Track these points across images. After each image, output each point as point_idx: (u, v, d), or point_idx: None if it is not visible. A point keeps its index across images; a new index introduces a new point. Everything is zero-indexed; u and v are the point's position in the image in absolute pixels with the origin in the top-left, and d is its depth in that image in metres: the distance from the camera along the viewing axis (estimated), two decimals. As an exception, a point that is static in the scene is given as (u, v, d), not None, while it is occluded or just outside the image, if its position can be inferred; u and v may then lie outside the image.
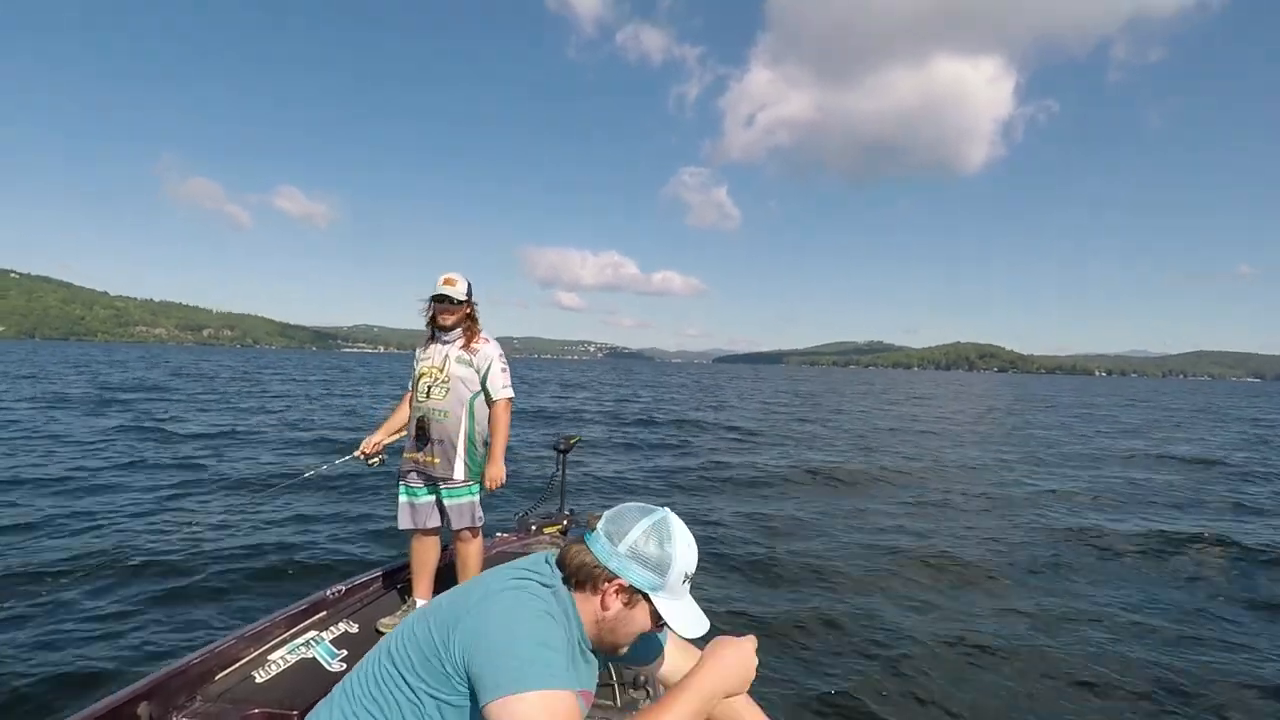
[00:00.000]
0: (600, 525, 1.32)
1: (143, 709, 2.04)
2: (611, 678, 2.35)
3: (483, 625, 1.16)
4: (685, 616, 1.30)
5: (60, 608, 3.85)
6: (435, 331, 3.05)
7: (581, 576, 1.29)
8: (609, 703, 2.27)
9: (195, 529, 2.96)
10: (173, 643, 3.46)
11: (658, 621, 1.30)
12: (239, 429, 12.52)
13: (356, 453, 3.14)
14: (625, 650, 1.36)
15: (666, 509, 1.34)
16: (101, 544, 4.75)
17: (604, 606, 1.28)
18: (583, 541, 1.32)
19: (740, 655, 1.30)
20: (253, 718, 2.17)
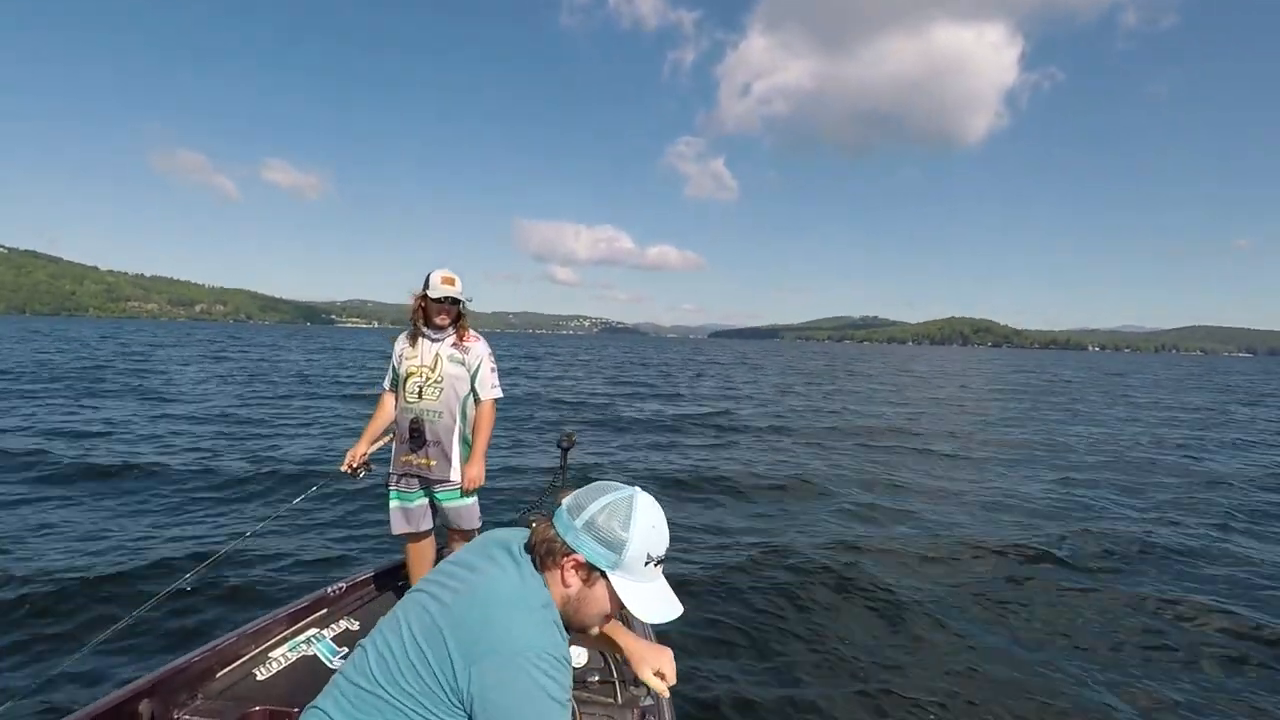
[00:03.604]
0: (566, 500, 1.31)
1: (144, 706, 2.06)
2: (612, 675, 2.38)
3: (502, 699, 1.13)
4: (645, 599, 1.26)
5: (59, 607, 3.88)
6: (423, 328, 2.94)
7: (543, 551, 1.27)
8: (610, 700, 2.30)
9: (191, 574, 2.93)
10: (174, 641, 3.48)
11: (619, 604, 1.26)
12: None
13: (342, 466, 3.00)
14: (595, 630, 1.36)
15: (637, 488, 1.30)
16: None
17: (564, 583, 1.26)
18: (550, 518, 1.31)
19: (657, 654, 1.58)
20: (254, 715, 2.20)
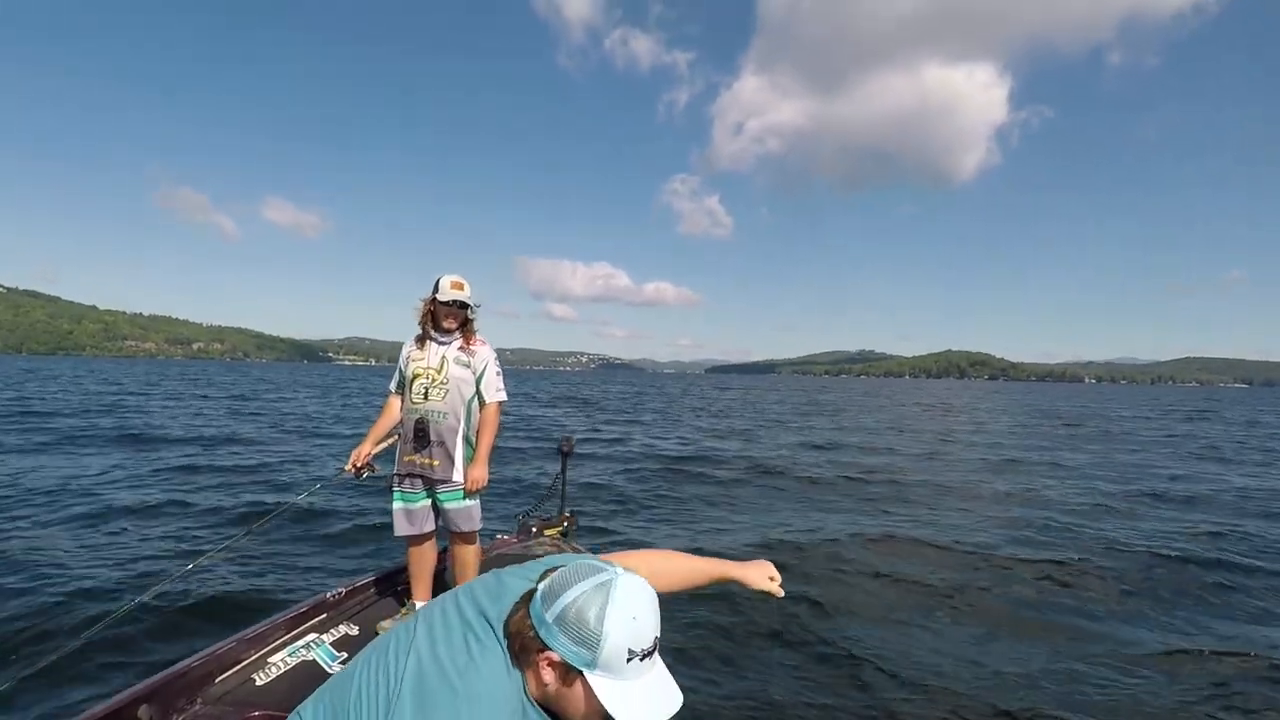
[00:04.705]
0: (543, 584, 1.17)
1: (143, 711, 2.04)
2: None
3: None
4: (630, 702, 1.09)
5: (58, 605, 3.83)
6: (431, 332, 3.00)
7: (517, 647, 1.15)
8: None
9: (195, 566, 2.90)
10: (173, 647, 3.44)
11: (600, 707, 1.11)
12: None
13: (346, 467, 3.02)
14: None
15: (618, 569, 1.16)
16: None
17: (540, 680, 1.13)
18: (528, 603, 1.18)
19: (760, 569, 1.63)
20: (253, 719, 2.17)
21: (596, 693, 1.09)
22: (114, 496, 6.97)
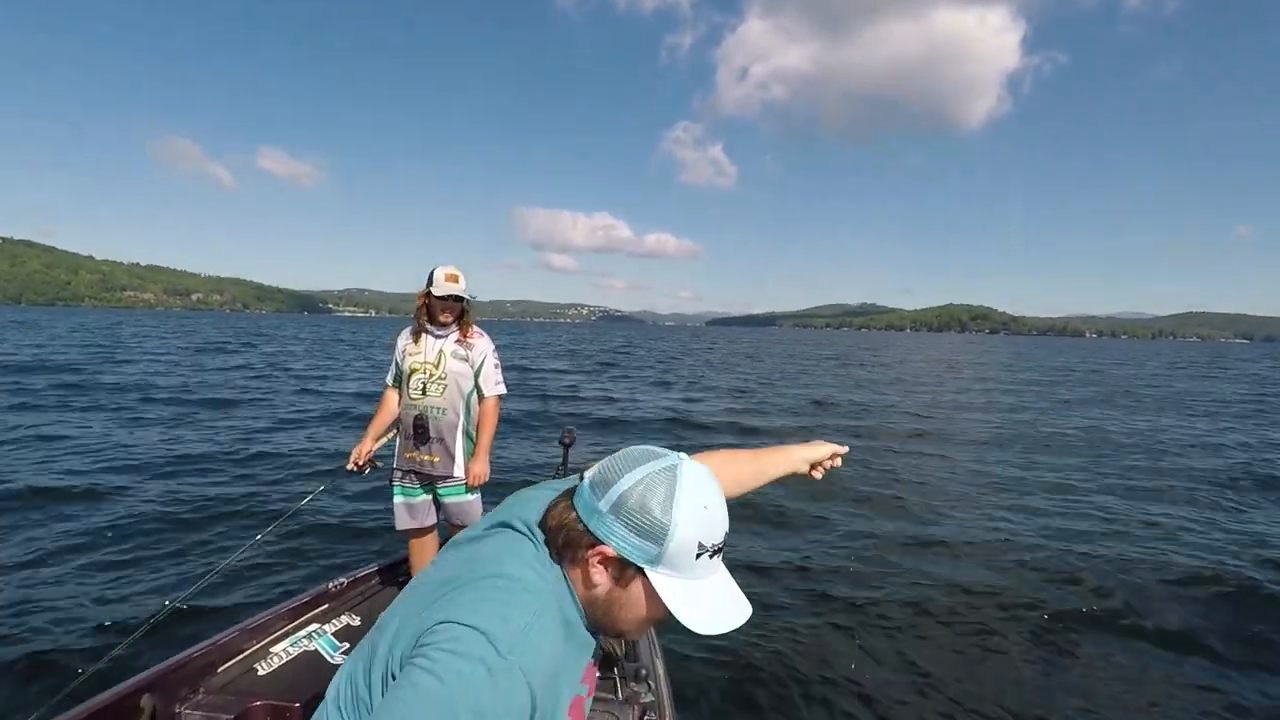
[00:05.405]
0: (590, 473, 0.97)
1: (145, 701, 2.06)
2: (612, 670, 2.37)
3: (397, 687, 0.81)
4: (699, 604, 0.91)
5: (57, 601, 3.88)
6: (427, 325, 2.94)
7: (561, 541, 0.95)
8: (610, 695, 2.29)
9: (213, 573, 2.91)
10: (175, 637, 3.48)
11: (663, 609, 0.92)
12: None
13: (349, 465, 3.00)
14: (637, 636, 1.08)
15: (683, 455, 0.96)
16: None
17: (589, 582, 0.94)
18: (570, 496, 0.98)
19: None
20: (255, 710, 2.20)
21: (660, 593, 0.90)
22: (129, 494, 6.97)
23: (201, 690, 2.25)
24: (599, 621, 0.98)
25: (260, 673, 2.38)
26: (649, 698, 2.21)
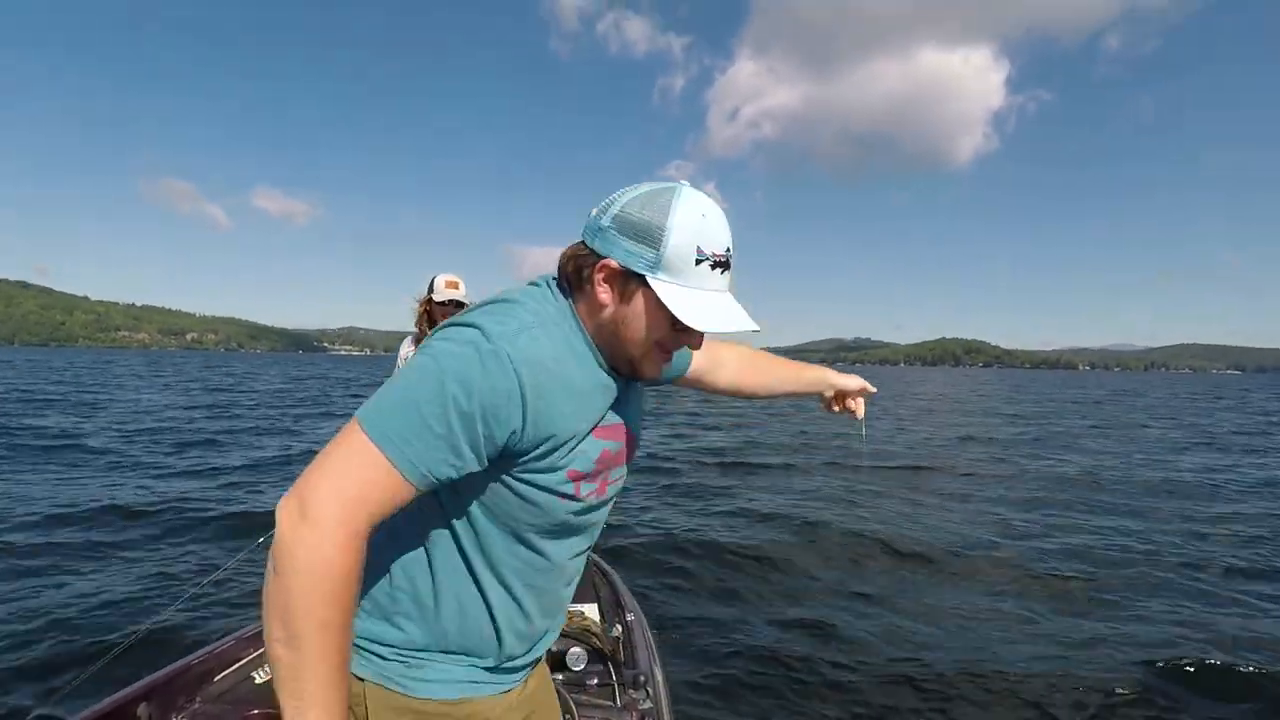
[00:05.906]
0: (600, 204, 0.99)
1: (142, 710, 2.03)
2: (611, 677, 2.34)
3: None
4: (697, 304, 0.93)
5: (55, 600, 3.83)
6: (428, 332, 2.96)
7: (569, 270, 0.98)
8: (608, 702, 2.26)
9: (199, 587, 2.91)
10: (171, 646, 3.44)
11: (667, 317, 0.94)
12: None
13: None
14: (650, 370, 1.02)
15: (686, 183, 0.99)
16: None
17: (594, 306, 0.96)
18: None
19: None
20: (252, 718, 2.16)
21: (660, 295, 0.92)
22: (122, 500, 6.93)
23: (198, 699, 2.22)
24: (609, 348, 0.99)
25: (257, 681, 2.35)
26: (647, 704, 2.18)
